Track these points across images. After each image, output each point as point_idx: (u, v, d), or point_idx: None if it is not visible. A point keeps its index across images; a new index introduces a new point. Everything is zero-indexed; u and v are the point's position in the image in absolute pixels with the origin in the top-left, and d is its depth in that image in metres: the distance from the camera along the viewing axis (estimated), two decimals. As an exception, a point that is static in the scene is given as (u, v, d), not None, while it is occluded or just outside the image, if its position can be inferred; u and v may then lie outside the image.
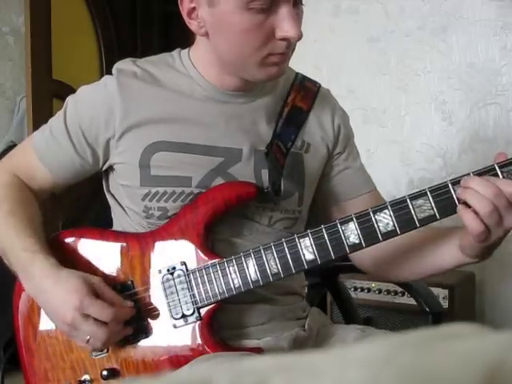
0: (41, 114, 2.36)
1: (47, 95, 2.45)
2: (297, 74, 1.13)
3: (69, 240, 1.05)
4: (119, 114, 1.00)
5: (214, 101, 1.02)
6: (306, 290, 1.18)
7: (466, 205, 0.86)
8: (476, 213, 0.85)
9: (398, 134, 2.25)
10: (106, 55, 2.96)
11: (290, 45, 0.93)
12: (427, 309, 1.29)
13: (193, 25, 0.97)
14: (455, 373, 0.26)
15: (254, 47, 0.92)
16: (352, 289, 1.97)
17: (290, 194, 1.05)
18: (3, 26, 2.88)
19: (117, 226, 1.11)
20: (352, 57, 2.32)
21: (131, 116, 1.00)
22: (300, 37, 0.92)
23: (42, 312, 1.00)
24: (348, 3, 2.31)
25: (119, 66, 1.05)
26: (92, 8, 2.93)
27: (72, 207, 1.29)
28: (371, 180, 1.16)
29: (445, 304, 1.84)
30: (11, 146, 2.67)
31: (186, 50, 1.07)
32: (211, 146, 1.01)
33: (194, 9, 0.95)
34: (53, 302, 0.94)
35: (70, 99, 1.06)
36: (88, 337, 0.92)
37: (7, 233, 0.99)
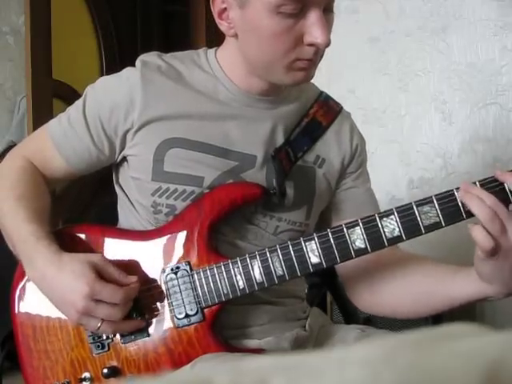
0: (41, 114, 2.36)
1: (47, 95, 2.45)
2: (321, 92, 1.13)
3: (71, 236, 1.04)
4: (139, 106, 0.99)
5: (237, 103, 1.02)
6: (306, 291, 1.18)
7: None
8: (481, 224, 0.85)
9: (398, 134, 2.25)
10: (106, 55, 2.95)
11: (317, 51, 0.93)
12: (427, 309, 1.28)
13: (223, 25, 0.97)
14: (455, 373, 0.26)
15: (281, 51, 0.92)
16: (352, 289, 1.97)
17: (298, 206, 1.05)
18: (3, 26, 2.88)
19: (122, 218, 1.10)
20: (352, 57, 2.32)
21: (151, 110, 0.99)
22: (328, 44, 0.92)
23: (42, 307, 1.00)
24: (348, 3, 2.31)
25: (144, 58, 1.04)
26: (92, 8, 2.93)
27: (72, 207, 1.29)
28: (378, 206, 1.13)
29: (445, 304, 1.84)
30: (11, 146, 2.66)
31: (213, 50, 1.07)
32: (227, 149, 1.01)
33: (224, 9, 0.95)
34: (59, 289, 0.93)
35: (89, 89, 1.06)
36: (99, 323, 0.92)
37: (16, 215, 0.99)
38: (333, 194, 1.12)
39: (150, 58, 1.04)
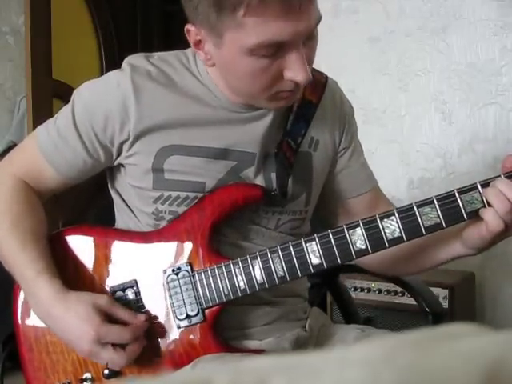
0: (41, 114, 2.36)
1: (47, 95, 2.45)
2: None
3: (72, 237, 1.04)
4: (134, 117, 0.97)
5: (227, 109, 1.01)
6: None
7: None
8: (496, 211, 0.88)
9: (398, 134, 2.24)
10: (106, 55, 2.96)
11: (299, 84, 0.91)
12: (427, 309, 1.28)
13: (200, 55, 0.95)
14: (455, 373, 0.26)
15: (261, 87, 0.91)
16: (352, 289, 1.97)
17: (297, 196, 1.04)
18: (3, 26, 2.87)
19: (120, 223, 1.10)
20: (352, 57, 2.32)
21: (145, 120, 0.97)
22: (309, 80, 0.89)
23: None
24: (348, 3, 2.31)
25: (132, 61, 1.00)
26: (92, 8, 2.93)
27: (72, 208, 1.29)
28: (373, 176, 1.15)
29: (445, 304, 1.84)
30: (11, 146, 2.66)
31: None
32: (225, 149, 0.99)
33: (200, 41, 0.92)
34: (65, 330, 0.94)
35: (76, 98, 1.02)
36: (106, 363, 0.93)
37: (11, 245, 0.98)
38: (328, 175, 1.11)
39: (138, 61, 1.00)
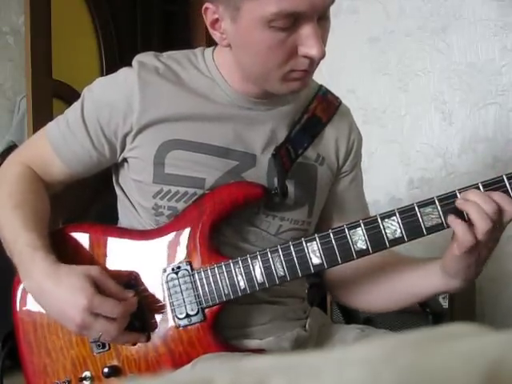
0: (41, 114, 2.36)
1: (47, 95, 2.45)
2: (320, 86, 1.13)
3: (72, 235, 1.04)
4: (137, 110, 0.98)
5: (235, 105, 1.02)
6: (306, 291, 1.18)
7: (458, 216, 0.88)
8: (470, 225, 0.86)
9: (398, 134, 2.24)
10: (106, 55, 2.95)
11: (313, 62, 0.92)
12: (427, 309, 1.29)
13: (216, 35, 0.96)
14: (455, 373, 0.26)
15: (276, 63, 0.92)
16: (352, 289, 1.97)
17: (300, 205, 1.05)
18: (3, 26, 2.87)
19: (123, 219, 1.10)
20: (352, 57, 2.32)
21: (149, 113, 0.99)
22: (323, 55, 0.90)
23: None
24: (348, 3, 2.31)
25: (141, 59, 1.02)
26: (92, 8, 2.92)
27: (72, 207, 1.29)
28: (366, 208, 1.16)
29: (445, 304, 1.84)
30: (11, 146, 2.66)
31: (210, 50, 1.05)
32: (228, 149, 1.00)
33: (217, 20, 0.94)
34: (57, 303, 0.93)
35: (86, 92, 1.04)
36: (100, 333, 0.92)
37: (13, 225, 0.99)
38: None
39: (146, 58, 1.02)
